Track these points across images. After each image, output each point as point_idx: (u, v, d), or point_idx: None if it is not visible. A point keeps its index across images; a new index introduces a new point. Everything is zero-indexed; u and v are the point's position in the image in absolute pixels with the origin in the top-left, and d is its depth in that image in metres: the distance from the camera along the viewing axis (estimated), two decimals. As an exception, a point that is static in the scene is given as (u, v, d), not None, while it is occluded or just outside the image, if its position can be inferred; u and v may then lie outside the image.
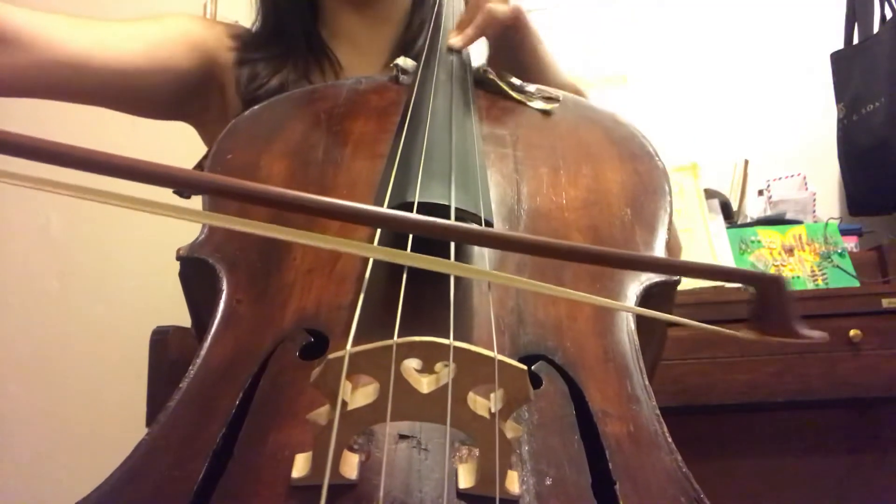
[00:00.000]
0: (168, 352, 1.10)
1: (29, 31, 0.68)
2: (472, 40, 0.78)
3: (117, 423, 1.40)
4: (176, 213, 0.32)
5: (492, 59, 0.82)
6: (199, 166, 0.80)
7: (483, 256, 0.52)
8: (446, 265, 0.34)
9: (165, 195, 0.35)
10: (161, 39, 0.81)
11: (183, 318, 0.79)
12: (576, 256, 0.32)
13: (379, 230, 0.50)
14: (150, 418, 1.07)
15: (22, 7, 0.69)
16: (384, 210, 0.31)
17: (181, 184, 0.31)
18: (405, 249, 0.46)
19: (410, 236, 0.47)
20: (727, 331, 0.38)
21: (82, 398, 1.82)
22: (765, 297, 0.37)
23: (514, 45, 0.80)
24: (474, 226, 0.47)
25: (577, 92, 0.83)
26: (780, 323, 0.37)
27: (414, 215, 0.33)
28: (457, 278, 0.46)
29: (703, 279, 0.48)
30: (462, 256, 0.50)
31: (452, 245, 0.47)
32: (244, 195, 0.31)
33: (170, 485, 0.38)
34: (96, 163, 0.28)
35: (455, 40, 0.77)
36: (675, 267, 0.38)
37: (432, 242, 0.44)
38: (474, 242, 0.44)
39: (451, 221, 0.35)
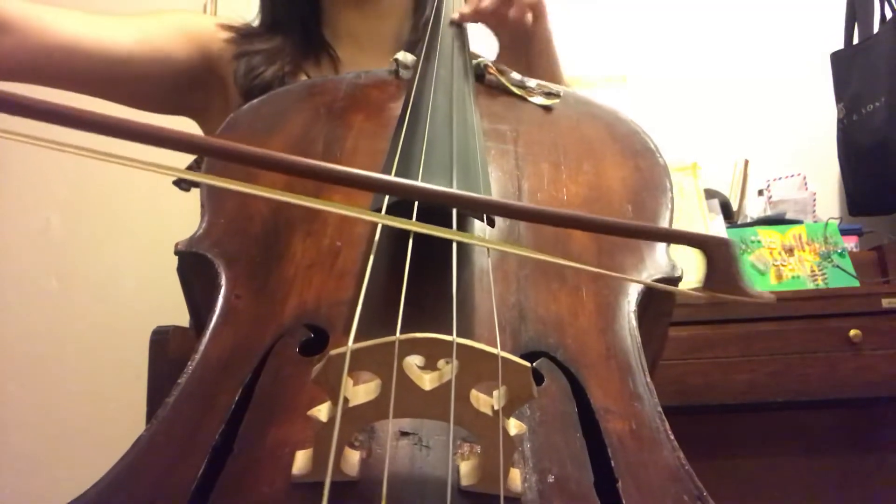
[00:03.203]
0: (168, 352, 1.09)
1: (21, 16, 0.70)
2: (477, 17, 0.78)
3: (117, 423, 1.40)
4: (179, 172, 0.32)
5: (502, 52, 0.82)
6: (196, 163, 0.80)
7: (483, 251, 0.51)
8: (450, 233, 0.34)
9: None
10: (155, 29, 0.82)
11: (183, 319, 0.79)
12: (575, 224, 0.32)
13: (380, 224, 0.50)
14: (150, 418, 1.07)
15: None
16: (391, 178, 0.31)
17: (196, 149, 0.31)
18: (407, 239, 0.45)
19: (415, 217, 0.46)
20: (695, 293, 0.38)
21: (82, 398, 1.81)
22: (713, 259, 0.42)
23: (528, 37, 0.80)
24: (474, 194, 0.47)
25: None
26: (728, 282, 0.41)
27: (420, 183, 0.33)
28: (459, 276, 0.46)
29: (654, 241, 0.49)
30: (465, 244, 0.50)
31: (455, 223, 0.47)
32: (257, 161, 0.31)
33: (169, 481, 0.37)
34: (107, 125, 0.28)
35: (466, 10, 0.77)
36: (627, 229, 0.38)
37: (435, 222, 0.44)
38: (475, 209, 0.44)
39: (456, 190, 0.35)
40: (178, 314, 0.76)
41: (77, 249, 1.93)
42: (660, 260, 0.55)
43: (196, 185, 0.62)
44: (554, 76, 0.81)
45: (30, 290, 1.91)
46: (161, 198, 1.70)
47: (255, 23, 0.95)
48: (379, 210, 0.47)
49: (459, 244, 0.48)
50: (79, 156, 0.28)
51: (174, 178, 0.80)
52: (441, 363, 0.33)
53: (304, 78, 0.88)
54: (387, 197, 0.46)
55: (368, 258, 0.44)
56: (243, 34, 0.91)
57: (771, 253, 1.55)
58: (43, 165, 1.90)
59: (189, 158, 0.80)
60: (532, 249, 0.33)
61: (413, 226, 0.32)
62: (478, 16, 0.78)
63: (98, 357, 1.83)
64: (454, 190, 0.34)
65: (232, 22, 0.93)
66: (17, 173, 1.93)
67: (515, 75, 0.73)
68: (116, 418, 1.53)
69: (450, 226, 0.46)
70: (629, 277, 0.51)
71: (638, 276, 0.53)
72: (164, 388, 1.08)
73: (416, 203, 0.45)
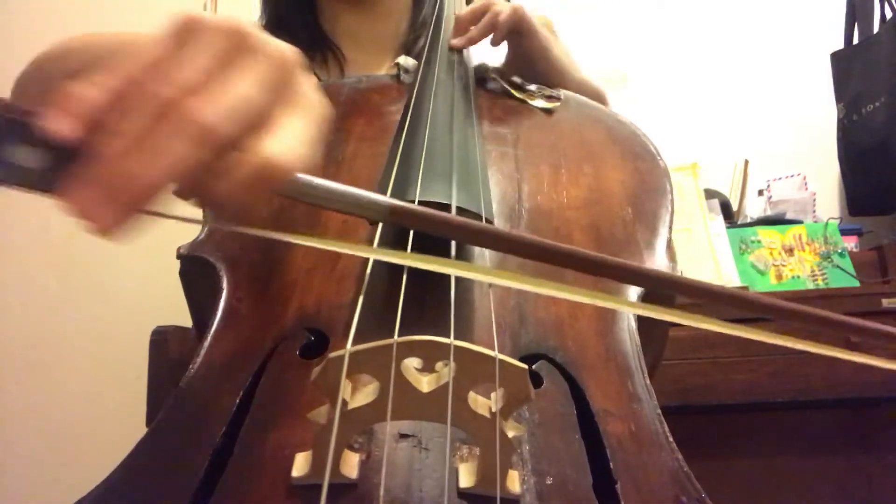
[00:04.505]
0: (168, 352, 1.10)
1: None
2: (473, 42, 0.77)
3: (117, 423, 1.40)
4: (178, 217, 0.32)
5: (508, 66, 0.82)
6: None
7: (483, 255, 0.52)
8: (447, 264, 0.34)
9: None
10: None
11: (183, 318, 0.79)
12: (584, 266, 0.32)
13: (380, 229, 0.50)
14: (150, 418, 1.07)
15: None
16: (388, 199, 0.31)
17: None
18: (406, 248, 0.45)
19: (411, 235, 0.47)
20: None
21: (82, 398, 1.81)
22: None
23: (523, 52, 0.79)
24: (478, 222, 0.47)
25: (598, 92, 0.83)
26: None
27: (420, 207, 0.33)
28: (458, 279, 0.46)
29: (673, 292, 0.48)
30: (463, 254, 0.50)
31: (454, 242, 0.47)
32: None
33: (170, 483, 0.37)
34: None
35: (456, 40, 0.77)
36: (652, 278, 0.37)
37: (433, 240, 0.44)
38: (477, 243, 0.44)
39: (454, 216, 0.35)
40: (178, 314, 0.76)
41: (77, 249, 1.93)
42: (659, 263, 0.55)
43: None
44: (567, 82, 0.80)
45: (30, 290, 1.91)
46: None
47: (260, 22, 0.95)
48: (376, 224, 0.47)
49: (458, 247, 0.49)
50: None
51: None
52: (439, 365, 0.34)
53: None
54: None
55: (368, 261, 0.44)
56: None
57: (771, 253, 1.55)
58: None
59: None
60: (531, 280, 0.33)
61: (407, 259, 0.33)
62: (471, 43, 0.78)
63: (98, 357, 1.84)
64: (452, 215, 0.35)
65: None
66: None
67: (516, 78, 0.73)
68: (116, 418, 1.54)
69: (448, 248, 0.46)
70: (630, 305, 0.51)
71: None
72: (164, 388, 1.08)
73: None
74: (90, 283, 1.90)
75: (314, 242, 0.33)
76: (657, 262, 0.55)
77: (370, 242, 0.51)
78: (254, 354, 0.45)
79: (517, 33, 0.77)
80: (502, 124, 0.68)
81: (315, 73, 0.89)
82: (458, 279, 0.46)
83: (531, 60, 0.80)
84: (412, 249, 0.44)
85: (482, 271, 0.45)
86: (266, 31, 0.99)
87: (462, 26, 0.78)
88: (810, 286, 1.49)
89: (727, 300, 0.35)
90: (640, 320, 0.51)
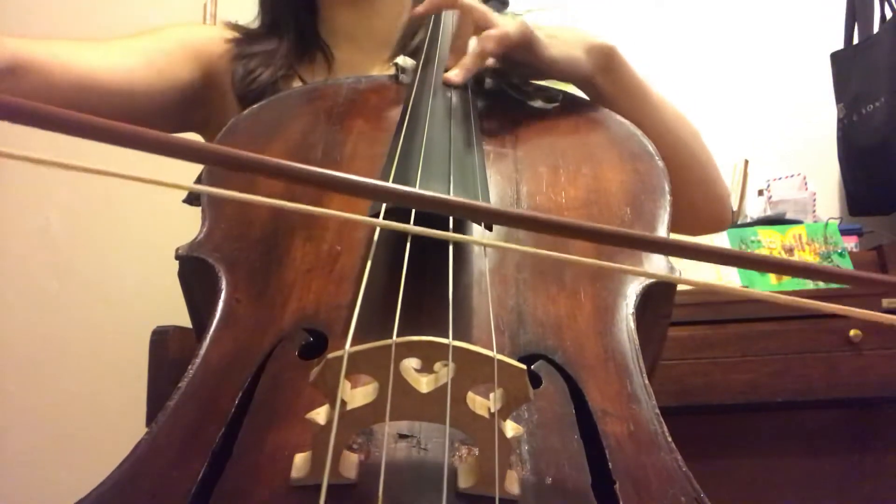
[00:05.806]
0: (168, 352, 1.10)
1: (37, 58, 0.69)
2: (472, 73, 0.70)
3: (117, 423, 1.40)
4: (177, 185, 0.32)
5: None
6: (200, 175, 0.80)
7: (481, 255, 0.52)
8: (446, 235, 0.34)
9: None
10: (159, 51, 0.82)
11: (183, 318, 0.79)
12: (574, 233, 0.32)
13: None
14: (150, 418, 1.07)
15: (24, 35, 0.69)
16: (388, 184, 0.31)
17: (192, 156, 0.31)
18: (407, 239, 0.46)
19: (412, 216, 0.47)
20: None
21: (82, 398, 1.82)
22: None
23: (524, 63, 0.72)
24: (471, 200, 0.47)
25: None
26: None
27: (416, 190, 0.33)
28: (456, 279, 0.46)
29: (653, 252, 0.49)
30: (461, 231, 0.50)
31: (451, 220, 0.47)
32: (255, 167, 0.31)
33: (168, 485, 0.38)
34: (104, 131, 0.28)
35: (453, 75, 0.69)
36: (626, 238, 0.38)
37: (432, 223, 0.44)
38: (472, 217, 0.44)
39: (452, 196, 0.36)
40: (178, 314, 0.76)
41: (77, 249, 1.93)
42: (657, 262, 0.56)
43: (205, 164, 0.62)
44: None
45: (30, 290, 1.91)
46: (161, 197, 1.71)
47: (256, 23, 0.95)
48: (377, 215, 0.47)
49: (456, 248, 0.49)
50: (80, 171, 0.29)
51: (183, 198, 0.79)
52: (438, 366, 0.34)
53: (297, 81, 0.88)
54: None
55: (367, 262, 0.45)
56: (242, 37, 0.91)
57: (771, 253, 1.55)
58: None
59: (189, 169, 0.79)
60: (528, 247, 0.33)
61: (408, 229, 0.33)
62: (469, 73, 0.70)
63: (98, 357, 1.84)
64: (450, 196, 0.35)
65: (232, 27, 0.93)
66: (17, 173, 1.93)
67: (515, 79, 0.73)
68: (116, 418, 1.54)
69: (447, 230, 0.47)
70: (628, 268, 0.51)
71: (636, 279, 0.53)
72: (164, 388, 1.08)
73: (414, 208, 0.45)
74: (90, 283, 1.90)
75: (317, 212, 0.33)
76: (654, 261, 0.55)
77: (369, 239, 0.51)
78: (252, 355, 0.45)
79: (519, 47, 0.71)
80: (501, 125, 0.68)
81: (299, 76, 0.88)
82: (456, 279, 0.46)
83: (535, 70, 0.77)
84: (412, 243, 0.44)
85: (481, 241, 0.45)
86: (260, 30, 0.98)
87: (454, 51, 0.73)
88: (810, 286, 1.49)
89: (718, 258, 0.35)
90: (639, 320, 0.51)
